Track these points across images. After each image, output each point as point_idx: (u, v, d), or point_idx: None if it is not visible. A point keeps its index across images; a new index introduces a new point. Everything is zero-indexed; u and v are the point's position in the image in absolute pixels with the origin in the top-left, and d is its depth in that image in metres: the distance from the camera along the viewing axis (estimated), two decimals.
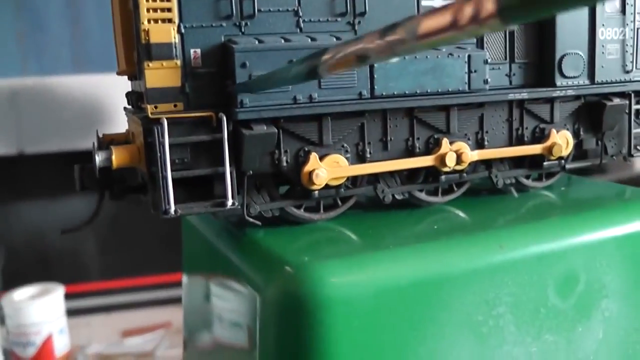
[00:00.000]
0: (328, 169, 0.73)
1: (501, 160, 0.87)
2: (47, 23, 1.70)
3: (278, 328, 0.65)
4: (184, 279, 0.97)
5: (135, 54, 0.71)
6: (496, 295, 0.73)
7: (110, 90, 1.65)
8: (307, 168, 0.72)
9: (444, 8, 0.34)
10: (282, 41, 0.70)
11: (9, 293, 1.56)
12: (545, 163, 0.89)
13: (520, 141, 0.87)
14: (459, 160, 0.80)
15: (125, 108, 0.84)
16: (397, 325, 0.67)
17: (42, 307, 1.52)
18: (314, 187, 0.73)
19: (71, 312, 1.61)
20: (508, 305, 0.74)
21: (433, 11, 0.35)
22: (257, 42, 0.69)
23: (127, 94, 0.83)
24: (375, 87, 0.73)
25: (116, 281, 1.81)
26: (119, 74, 0.80)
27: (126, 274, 1.81)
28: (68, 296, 1.58)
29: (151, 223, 1.79)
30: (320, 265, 0.65)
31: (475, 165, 0.85)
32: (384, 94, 0.74)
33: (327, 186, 0.74)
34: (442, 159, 0.79)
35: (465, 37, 0.33)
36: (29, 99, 1.65)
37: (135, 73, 0.73)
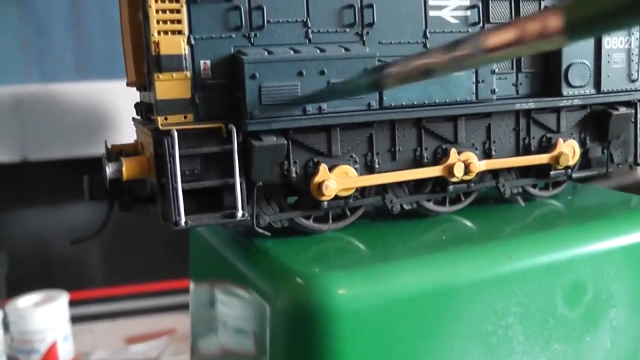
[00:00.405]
0: (337, 180, 0.73)
1: (508, 169, 0.88)
2: (51, 30, 1.70)
3: (288, 338, 0.65)
4: (192, 286, 0.97)
5: (145, 65, 0.71)
6: (505, 305, 0.73)
7: (114, 97, 1.65)
8: (317, 179, 0.72)
9: (509, 25, 0.34)
10: (292, 52, 0.70)
11: (13, 300, 1.56)
12: (552, 172, 0.89)
13: (527, 151, 0.87)
14: (466, 171, 0.80)
15: (134, 118, 0.84)
16: (406, 335, 0.67)
17: (46, 314, 1.52)
18: (324, 198, 0.73)
19: (75, 319, 1.61)
20: (517, 316, 0.74)
21: (499, 27, 0.35)
22: (266, 53, 0.69)
23: (136, 105, 0.83)
24: (384, 97, 0.74)
25: (120, 288, 1.81)
26: (128, 85, 0.80)
27: (130, 280, 1.81)
28: (72, 303, 1.58)
29: (155, 230, 1.79)
30: (331, 277, 0.65)
31: (482, 174, 0.86)
32: (392, 104, 0.74)
33: (336, 197, 0.74)
34: (450, 169, 0.79)
35: (529, 52, 0.35)
36: (32, 106, 1.66)
37: (144, 84, 0.73)
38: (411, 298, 0.67)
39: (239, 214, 0.69)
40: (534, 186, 0.91)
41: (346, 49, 0.73)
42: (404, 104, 0.75)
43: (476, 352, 0.71)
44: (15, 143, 1.65)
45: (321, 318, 0.63)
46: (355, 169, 0.75)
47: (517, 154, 0.87)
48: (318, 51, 0.71)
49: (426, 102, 0.76)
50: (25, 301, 1.56)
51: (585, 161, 0.95)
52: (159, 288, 1.82)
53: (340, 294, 0.63)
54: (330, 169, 0.73)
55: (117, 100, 1.65)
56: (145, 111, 0.75)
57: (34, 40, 1.70)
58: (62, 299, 1.56)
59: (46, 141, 1.67)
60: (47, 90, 1.67)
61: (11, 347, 1.54)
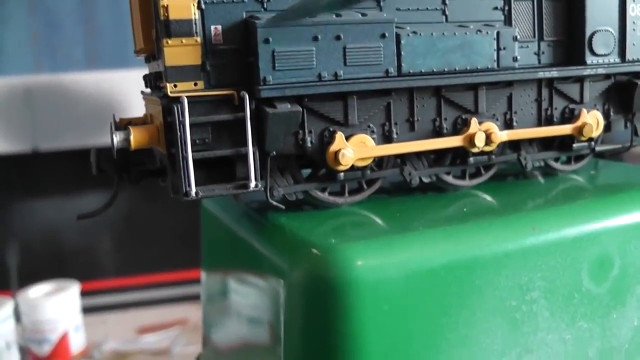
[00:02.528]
0: (355, 149, 0.70)
1: (530, 142, 0.84)
2: (61, 22, 1.69)
3: (304, 313, 0.62)
4: (203, 272, 0.94)
5: (153, 31, 0.68)
6: (529, 279, 0.70)
7: (125, 86, 1.64)
8: (333, 148, 0.69)
9: None
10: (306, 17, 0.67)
11: (24, 290, 1.55)
12: (574, 145, 0.86)
13: (549, 122, 0.84)
14: (488, 141, 0.77)
15: (142, 92, 0.82)
16: (428, 310, 0.64)
17: (57, 304, 1.51)
18: (340, 167, 0.70)
19: (86, 310, 1.60)
20: (541, 290, 0.71)
21: None
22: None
23: (145, 76, 0.80)
24: (403, 64, 0.71)
25: (131, 278, 1.79)
26: (136, 52, 0.78)
27: (142, 270, 1.79)
28: (83, 293, 1.57)
29: (167, 219, 1.78)
30: (349, 247, 0.62)
31: (503, 147, 0.83)
32: (411, 71, 0.71)
33: (352, 168, 0.72)
34: (471, 139, 0.76)
35: None
36: (43, 96, 1.64)
37: (153, 52, 0.71)
38: (433, 270, 0.64)
39: (252, 184, 0.67)
40: (556, 160, 0.88)
41: (363, 14, 0.70)
42: (423, 71, 0.72)
43: (500, 327, 0.68)
44: (26, 133, 1.64)
45: (339, 290, 0.60)
46: (373, 139, 0.72)
47: (539, 125, 0.83)
48: (334, 16, 0.68)
49: (446, 69, 0.73)
50: (37, 291, 1.55)
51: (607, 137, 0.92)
52: (171, 278, 1.80)
53: (359, 265, 0.60)
54: (347, 138, 0.71)
55: (128, 90, 1.63)
56: (155, 80, 0.73)
57: (43, 32, 1.68)
58: (74, 288, 1.55)
59: (57, 131, 1.66)
60: (57, 81, 1.65)
61: (23, 337, 1.53)
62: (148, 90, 0.81)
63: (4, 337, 1.46)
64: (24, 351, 1.52)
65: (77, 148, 1.67)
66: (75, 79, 1.66)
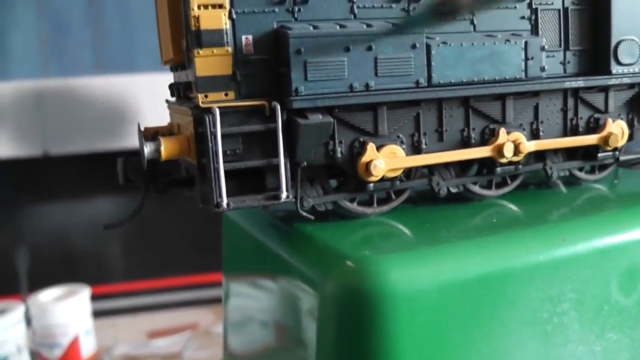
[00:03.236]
0: (386, 160, 0.70)
1: (555, 152, 0.84)
2: (69, 26, 1.69)
3: (338, 325, 0.62)
4: (225, 279, 0.94)
5: (183, 41, 0.68)
6: (560, 291, 0.69)
7: (134, 90, 1.63)
8: (365, 158, 0.69)
9: None
10: (337, 27, 0.67)
11: (34, 294, 1.54)
12: (599, 154, 0.86)
13: (574, 132, 0.84)
14: (516, 151, 0.77)
15: (167, 100, 0.82)
16: (461, 322, 0.64)
17: (68, 308, 1.50)
18: (371, 178, 0.70)
19: (96, 314, 1.59)
20: (572, 302, 0.70)
21: None
22: (311, 28, 0.66)
23: (171, 86, 0.80)
24: (433, 75, 0.71)
25: (141, 282, 1.79)
26: (165, 63, 0.77)
27: (152, 275, 1.79)
28: (93, 297, 1.57)
29: (177, 223, 1.77)
30: (383, 259, 0.62)
31: (528, 157, 0.82)
32: (441, 82, 0.71)
33: (382, 178, 0.71)
34: (499, 150, 0.76)
35: None
36: (53, 100, 1.64)
37: (182, 62, 0.70)
38: (466, 282, 0.64)
39: (284, 195, 0.66)
40: (580, 169, 0.88)
41: (393, 24, 0.69)
42: (452, 81, 0.72)
43: (531, 340, 0.68)
44: (36, 137, 1.64)
45: (374, 302, 0.59)
46: (403, 149, 0.72)
47: (565, 135, 0.83)
48: (365, 26, 0.68)
49: (475, 79, 0.73)
50: (47, 295, 1.54)
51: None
52: (181, 282, 1.80)
53: (394, 277, 0.60)
54: (378, 148, 0.70)
55: (137, 94, 1.63)
56: (184, 90, 0.72)
57: (52, 36, 1.68)
58: (84, 293, 1.54)
59: (67, 135, 1.65)
60: (67, 85, 1.65)
61: (33, 342, 1.53)
62: (173, 99, 0.81)
63: (15, 341, 1.46)
64: (35, 355, 1.52)
65: (87, 152, 1.67)
66: (85, 83, 1.66)
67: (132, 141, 1.63)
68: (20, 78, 1.65)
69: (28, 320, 1.51)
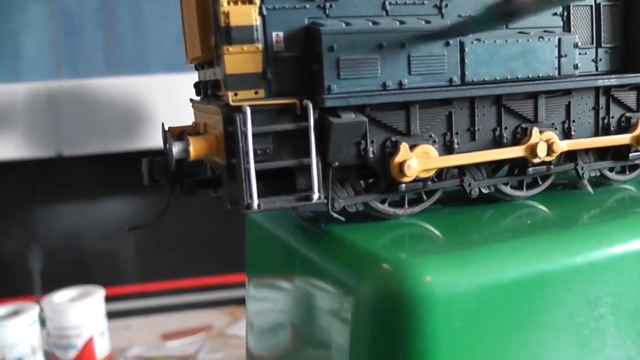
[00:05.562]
0: (419, 160, 0.68)
1: (586, 151, 0.82)
2: (81, 28, 1.68)
3: (374, 328, 0.60)
4: (249, 281, 0.92)
5: (212, 38, 0.67)
6: (597, 295, 0.68)
7: (147, 92, 1.62)
8: (398, 159, 0.67)
9: None
10: (370, 24, 0.65)
11: (49, 295, 1.53)
12: (631, 154, 0.84)
13: (606, 131, 0.82)
14: (549, 151, 0.75)
15: (191, 100, 0.80)
16: (499, 326, 0.62)
17: (83, 310, 1.49)
18: (405, 179, 0.68)
19: (110, 315, 1.59)
20: (609, 306, 0.69)
21: None
22: (343, 25, 0.64)
23: (196, 84, 0.79)
24: (466, 73, 0.69)
25: (155, 284, 1.78)
26: (191, 61, 0.76)
27: (165, 276, 1.78)
28: (107, 299, 1.56)
29: (191, 225, 1.76)
30: (421, 262, 0.60)
31: (559, 157, 0.81)
32: (474, 79, 0.69)
33: (414, 179, 0.70)
34: (532, 150, 0.74)
35: None
36: (67, 101, 1.63)
37: (210, 60, 0.69)
38: (504, 286, 0.62)
39: (315, 196, 0.65)
40: (611, 170, 0.86)
41: (426, 22, 0.68)
42: (486, 79, 0.70)
43: (568, 345, 0.66)
44: (49, 138, 1.63)
45: (412, 306, 0.58)
46: (435, 149, 0.70)
47: (596, 134, 0.81)
48: (397, 23, 0.66)
49: (508, 77, 0.71)
50: (62, 296, 1.53)
51: None
52: (195, 284, 1.79)
53: (432, 281, 0.58)
54: (410, 148, 0.69)
55: (150, 96, 1.62)
56: (212, 88, 0.71)
57: (64, 38, 1.67)
58: (99, 294, 1.54)
59: (80, 136, 1.65)
60: (81, 86, 1.64)
61: (48, 343, 1.52)
62: (197, 98, 0.79)
63: (29, 343, 1.45)
64: (49, 356, 1.51)
65: (101, 153, 1.66)
66: (99, 84, 1.65)
67: (145, 142, 1.62)
68: (33, 80, 1.64)
69: (42, 322, 1.51)
